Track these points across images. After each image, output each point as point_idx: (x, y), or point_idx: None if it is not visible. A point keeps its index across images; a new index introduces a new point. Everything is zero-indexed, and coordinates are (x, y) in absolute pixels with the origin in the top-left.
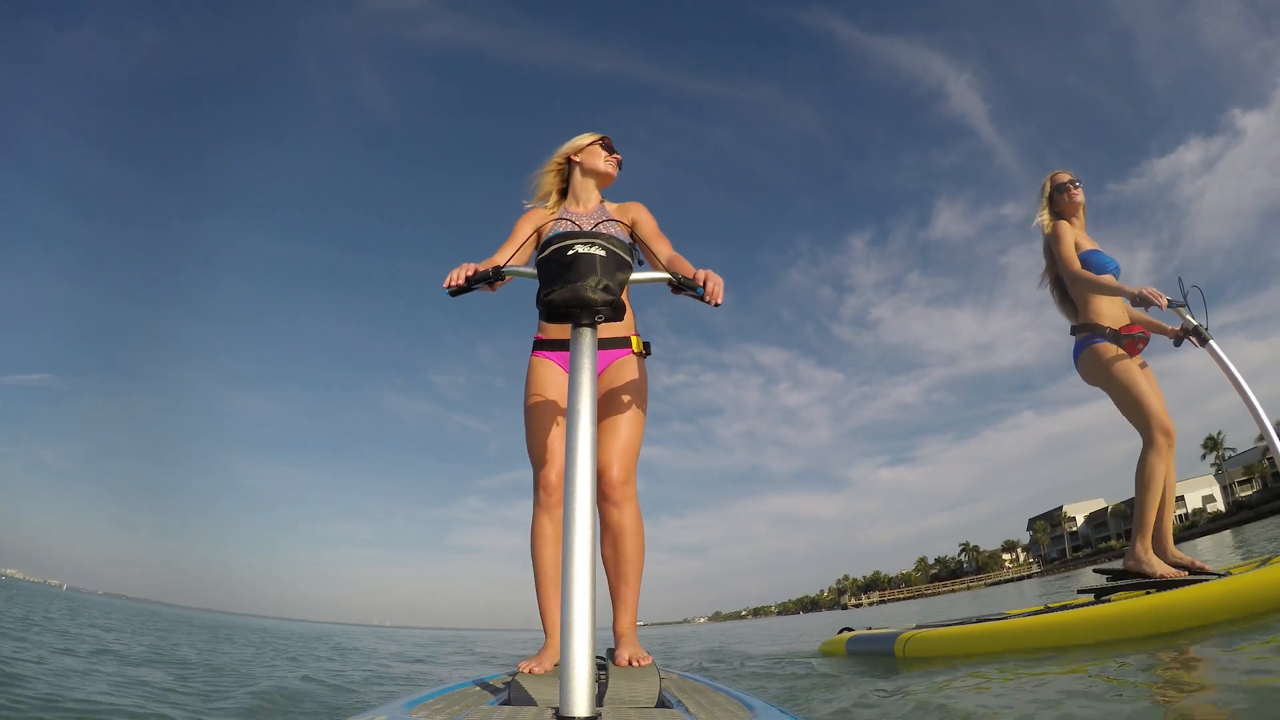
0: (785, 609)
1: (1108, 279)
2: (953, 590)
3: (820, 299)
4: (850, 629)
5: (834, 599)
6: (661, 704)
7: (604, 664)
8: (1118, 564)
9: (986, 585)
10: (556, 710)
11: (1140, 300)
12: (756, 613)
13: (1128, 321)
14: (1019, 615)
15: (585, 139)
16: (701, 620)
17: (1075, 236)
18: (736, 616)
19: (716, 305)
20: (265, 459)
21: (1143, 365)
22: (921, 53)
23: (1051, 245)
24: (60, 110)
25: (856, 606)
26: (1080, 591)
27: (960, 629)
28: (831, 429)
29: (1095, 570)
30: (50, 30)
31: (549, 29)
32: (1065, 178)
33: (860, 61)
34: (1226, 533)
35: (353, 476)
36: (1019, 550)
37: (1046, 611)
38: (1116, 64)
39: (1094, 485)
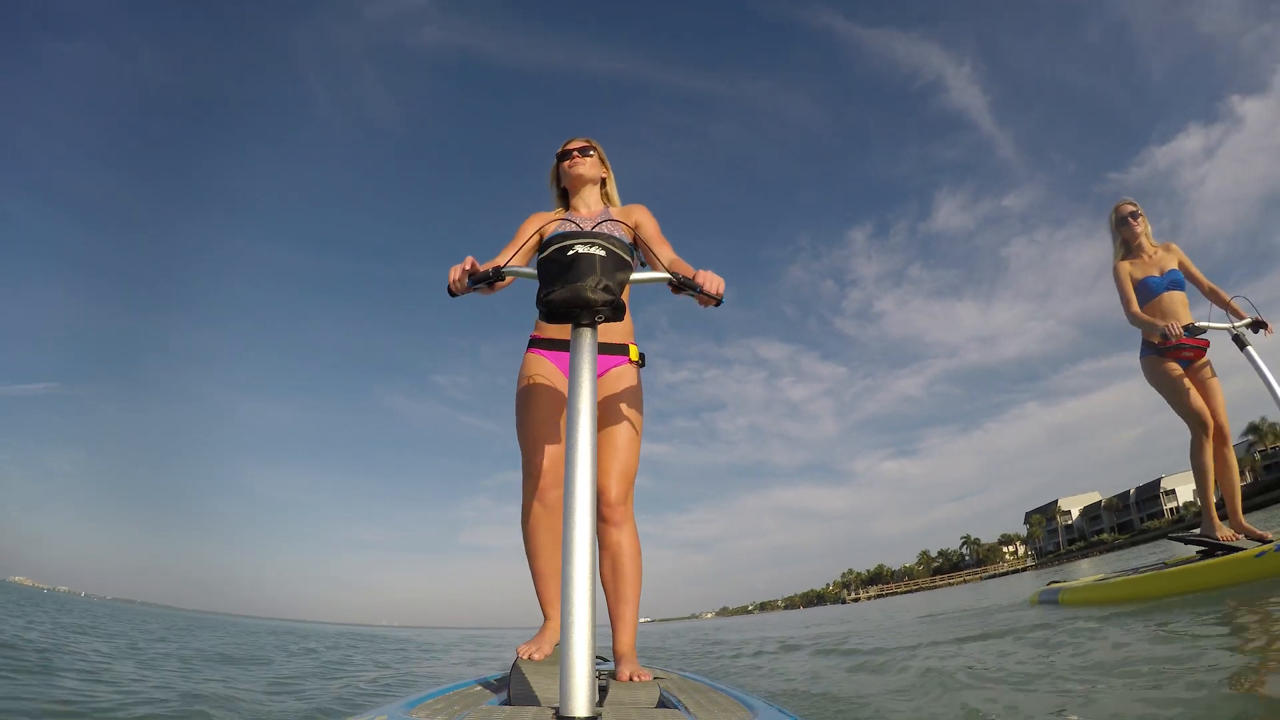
0: (791, 603)
1: (1147, 319)
2: (950, 584)
3: (823, 293)
4: (1057, 582)
5: (837, 593)
6: (662, 704)
7: (604, 660)
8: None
9: (981, 579)
10: (557, 710)
11: (1167, 333)
12: (763, 607)
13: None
14: (1144, 570)
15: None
16: (709, 615)
17: (1130, 270)
18: (743, 611)
19: (718, 304)
20: (275, 464)
21: (1202, 365)
22: (919, 45)
23: (1117, 287)
24: (61, 123)
25: (855, 601)
26: (1183, 539)
27: (1099, 583)
28: (836, 422)
29: (1170, 538)
30: (50, 39)
31: (546, 31)
32: (1127, 210)
33: (858, 55)
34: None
35: (364, 480)
36: (1017, 543)
37: (1161, 568)
38: (1114, 52)
39: (1091, 477)
